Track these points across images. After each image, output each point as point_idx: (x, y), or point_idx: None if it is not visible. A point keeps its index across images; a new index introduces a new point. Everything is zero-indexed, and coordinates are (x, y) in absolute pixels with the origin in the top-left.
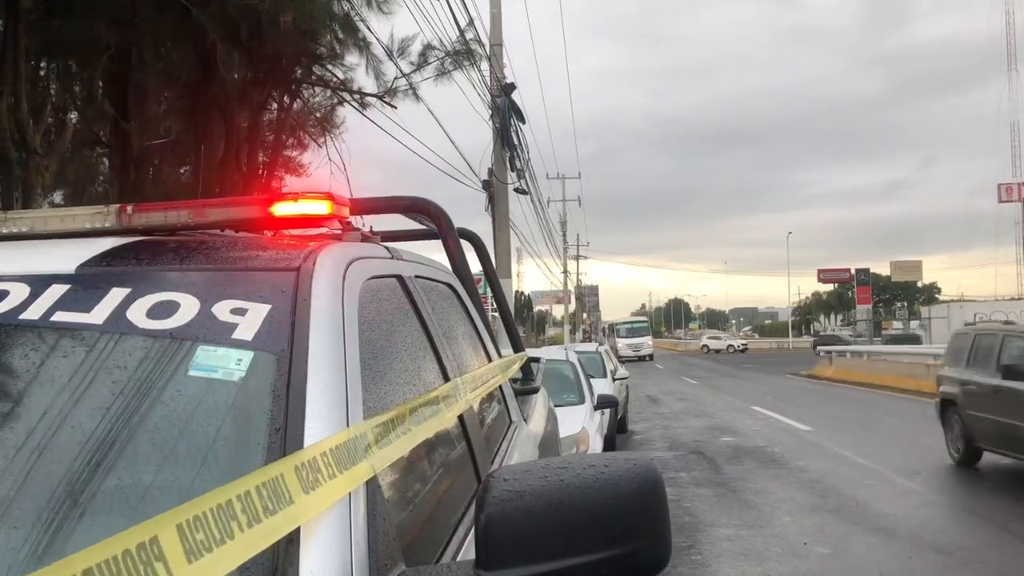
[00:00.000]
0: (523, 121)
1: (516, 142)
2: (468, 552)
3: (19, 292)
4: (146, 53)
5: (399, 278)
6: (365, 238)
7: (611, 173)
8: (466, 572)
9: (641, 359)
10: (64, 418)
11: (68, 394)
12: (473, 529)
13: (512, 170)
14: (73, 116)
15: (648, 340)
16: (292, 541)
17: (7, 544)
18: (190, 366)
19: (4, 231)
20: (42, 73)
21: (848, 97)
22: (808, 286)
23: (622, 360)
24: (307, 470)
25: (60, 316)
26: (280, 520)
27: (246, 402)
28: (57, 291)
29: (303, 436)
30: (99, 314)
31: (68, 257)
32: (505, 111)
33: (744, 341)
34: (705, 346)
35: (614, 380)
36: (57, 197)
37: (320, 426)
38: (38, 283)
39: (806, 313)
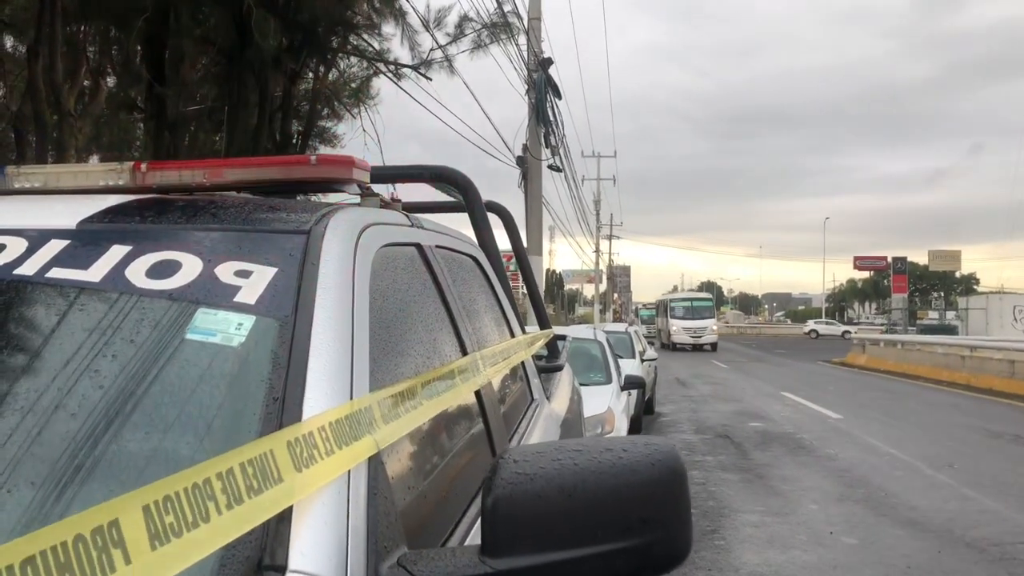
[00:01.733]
0: (559, 97)
1: (552, 118)
2: (477, 536)
3: (16, 247)
4: (183, 17)
5: (418, 247)
6: (385, 204)
7: (649, 152)
8: (470, 557)
9: (699, 348)
10: (54, 378)
11: (61, 353)
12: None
13: (547, 147)
14: (110, 80)
15: (712, 324)
16: (283, 520)
17: None
18: (188, 329)
19: (17, 186)
20: (80, 36)
21: (896, 81)
22: (843, 273)
23: (675, 347)
24: (302, 445)
25: (56, 272)
26: (265, 500)
27: (244, 369)
28: (55, 246)
29: (302, 407)
30: (97, 272)
31: (70, 212)
32: (541, 86)
33: (855, 328)
34: (813, 331)
35: (642, 361)
36: (93, 160)
37: (321, 397)
38: (37, 238)
39: (840, 300)
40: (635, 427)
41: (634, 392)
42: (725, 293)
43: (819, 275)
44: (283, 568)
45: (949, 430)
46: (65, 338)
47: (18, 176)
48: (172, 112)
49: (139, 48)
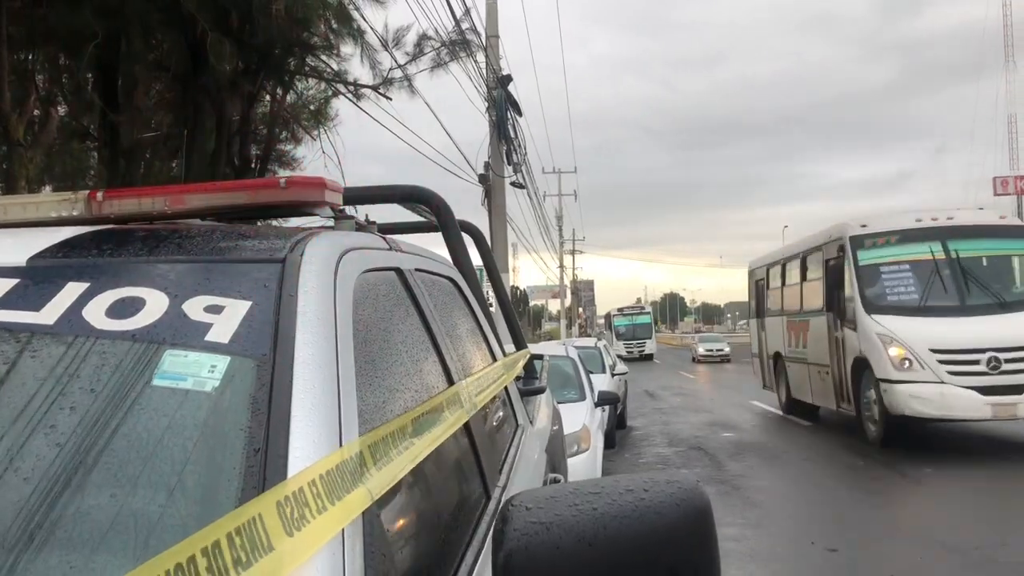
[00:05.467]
0: (520, 114)
1: (513, 135)
2: None
3: None
4: (135, 43)
5: (398, 271)
6: (360, 227)
7: (610, 165)
8: None
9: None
10: (3, 436)
11: (10, 406)
12: (490, 559)
13: (509, 164)
14: (61, 108)
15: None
16: None
17: None
18: (155, 374)
19: None
20: (29, 64)
21: (856, 86)
22: None
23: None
24: (292, 505)
25: (4, 315)
26: (255, 575)
27: (220, 417)
28: (3, 286)
29: (287, 458)
30: (50, 313)
31: (20, 247)
32: (502, 104)
33: None
34: None
35: (613, 375)
36: (46, 191)
37: (307, 446)
38: None
39: None
40: (609, 442)
41: (607, 407)
42: (688, 304)
43: None
44: None
45: (922, 436)
46: (15, 389)
47: None
48: (126, 140)
49: (90, 75)
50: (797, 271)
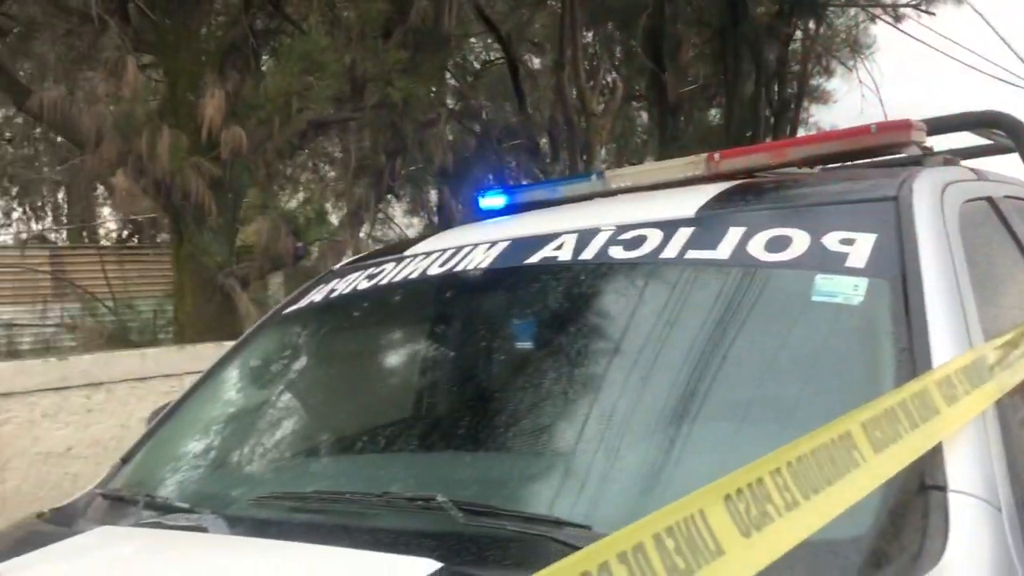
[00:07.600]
0: None
1: None
2: None
3: (655, 236)
4: (679, 4)
5: (989, 200)
6: (947, 162)
7: None
8: None
9: None
10: (714, 339)
11: (711, 319)
12: None
13: None
14: (616, 76)
15: None
16: (936, 449)
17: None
18: (812, 293)
19: (613, 186)
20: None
21: None
22: None
23: None
24: (945, 386)
25: (692, 254)
26: (932, 428)
27: (869, 324)
28: (684, 233)
29: (929, 356)
30: (724, 250)
31: (687, 203)
32: None
33: None
34: None
35: None
36: (602, 153)
37: (945, 347)
38: (667, 227)
39: None
40: None
41: None
42: None
43: None
44: (944, 488)
45: None
46: (713, 306)
47: (614, 178)
48: (672, 95)
49: (639, 42)
50: None
